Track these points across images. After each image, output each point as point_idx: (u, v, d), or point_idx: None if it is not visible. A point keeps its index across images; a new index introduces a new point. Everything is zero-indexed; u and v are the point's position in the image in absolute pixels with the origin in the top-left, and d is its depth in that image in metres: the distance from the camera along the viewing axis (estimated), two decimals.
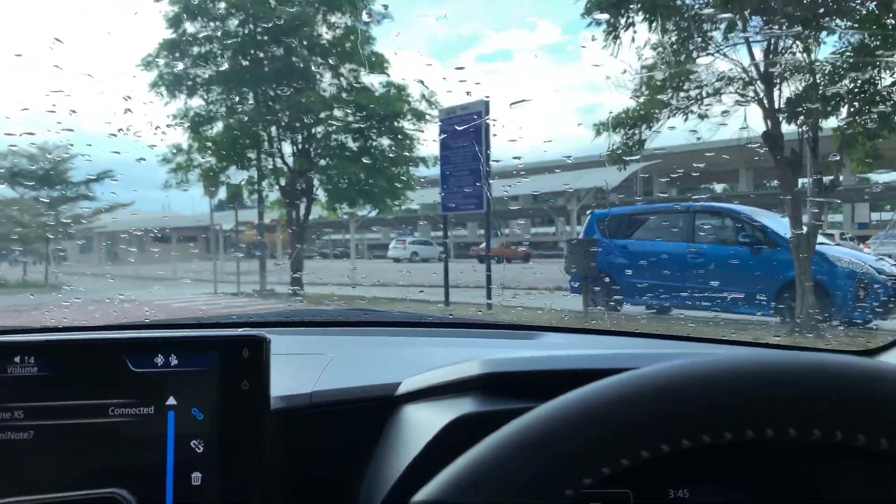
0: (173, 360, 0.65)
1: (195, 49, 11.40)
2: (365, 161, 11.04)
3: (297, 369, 0.88)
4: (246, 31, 11.18)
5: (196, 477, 0.64)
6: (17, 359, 0.64)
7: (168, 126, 10.65)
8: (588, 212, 8.83)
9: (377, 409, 0.78)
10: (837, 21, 5.70)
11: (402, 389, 0.78)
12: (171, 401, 0.65)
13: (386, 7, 11.56)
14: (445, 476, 0.40)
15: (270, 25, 10.71)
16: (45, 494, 0.61)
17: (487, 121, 8.74)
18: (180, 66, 11.38)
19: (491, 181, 8.97)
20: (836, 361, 0.41)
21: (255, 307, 10.15)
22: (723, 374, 0.41)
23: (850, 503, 0.62)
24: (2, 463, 0.62)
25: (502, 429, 0.41)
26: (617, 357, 0.75)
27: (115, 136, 4.28)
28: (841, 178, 6.20)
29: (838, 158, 5.88)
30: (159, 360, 0.65)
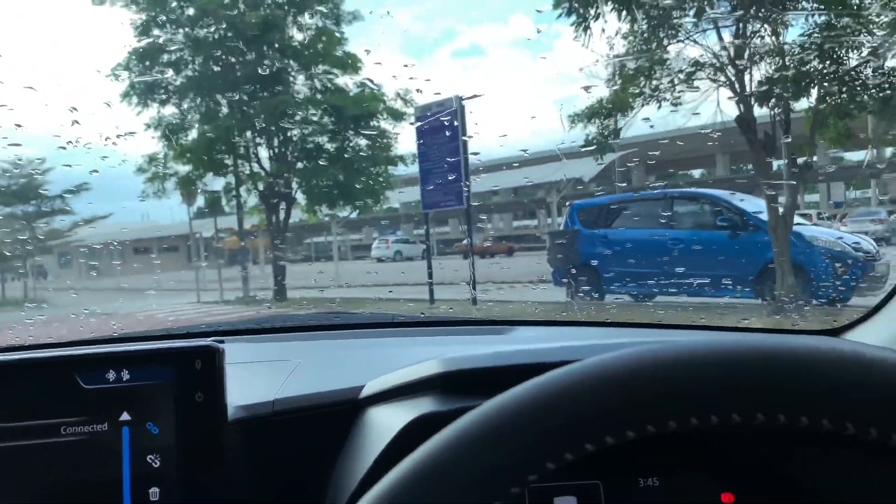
0: (125, 375, 0.64)
1: (165, 57, 11.29)
2: (343, 162, 11.00)
3: (261, 377, 0.87)
4: (216, 37, 11.09)
5: (154, 492, 0.63)
6: None
7: (118, 136, 10.54)
8: (567, 203, 8.86)
9: (341, 413, 0.77)
10: (804, 3, 5.76)
11: (365, 392, 0.78)
12: (125, 416, 0.64)
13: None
14: (389, 479, 0.39)
15: (240, 30, 10.63)
16: None
17: (463, 115, 8.75)
18: (151, 74, 11.27)
19: (471, 177, 8.98)
20: (784, 344, 0.41)
21: (237, 314, 10.08)
22: (668, 361, 0.40)
23: (821, 487, 0.62)
24: None
25: (446, 428, 0.41)
26: (575, 349, 0.75)
27: (64, 148, 4.20)
28: (815, 158, 6.26)
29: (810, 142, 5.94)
30: (111, 375, 0.64)
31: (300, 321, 1.42)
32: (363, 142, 11.35)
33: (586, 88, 6.37)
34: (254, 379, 0.80)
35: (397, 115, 11.00)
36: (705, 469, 0.66)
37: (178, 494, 0.64)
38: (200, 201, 12.93)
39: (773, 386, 0.38)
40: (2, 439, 0.62)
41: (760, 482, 0.64)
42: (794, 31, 6.14)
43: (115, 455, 0.63)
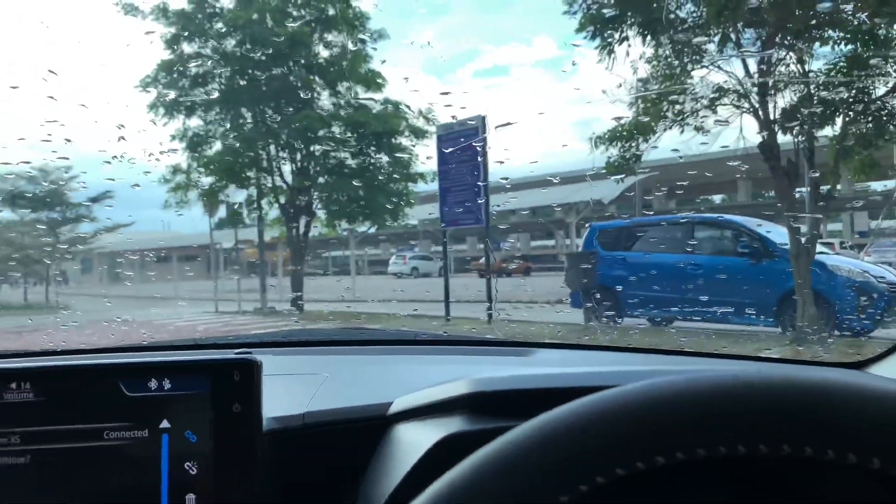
0: (166, 384, 0.66)
1: (193, 69, 11.48)
2: (364, 178, 11.08)
3: (291, 390, 0.89)
4: (243, 51, 11.27)
5: (190, 499, 0.65)
6: (13, 385, 0.65)
7: (161, 153, 10.77)
8: (587, 225, 8.84)
9: (369, 428, 0.79)
10: (830, 32, 5.74)
11: (393, 409, 0.79)
12: (165, 424, 0.66)
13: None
14: (423, 499, 0.41)
15: (268, 45, 10.80)
16: None
17: (485, 136, 8.79)
18: (178, 86, 11.46)
19: (490, 196, 9.01)
20: (811, 378, 0.42)
21: (255, 325, 10.15)
22: (700, 392, 0.42)
23: None
24: (0, 488, 0.64)
25: (481, 449, 0.42)
26: (602, 375, 0.76)
27: (109, 163, 4.33)
28: (839, 187, 6.22)
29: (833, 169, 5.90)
30: (153, 384, 0.66)
31: (326, 336, 1.45)
32: (384, 158, 11.45)
33: (617, 119, 6.38)
34: (284, 391, 0.82)
35: (419, 133, 11.10)
36: (729, 496, 0.66)
37: (213, 501, 0.66)
38: (222, 212, 13.10)
39: (804, 419, 0.39)
40: (48, 441, 0.65)
41: None
42: (820, 60, 6.13)
43: (154, 461, 0.65)
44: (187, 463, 0.65)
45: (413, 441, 0.71)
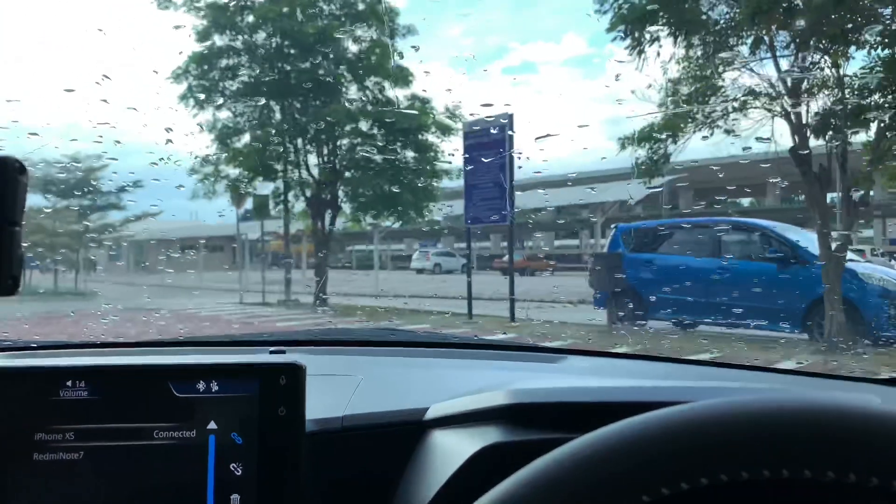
0: (214, 387, 0.68)
1: (223, 62, 11.59)
2: (390, 173, 11.11)
3: (328, 391, 0.91)
4: (273, 45, 11.35)
5: (235, 499, 0.67)
6: (68, 383, 0.68)
7: (206, 158, 10.99)
8: (613, 225, 8.78)
9: (406, 433, 0.80)
10: (866, 36, 5.64)
11: (430, 415, 0.81)
12: (212, 425, 0.68)
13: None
14: (511, 483, 0.42)
15: (297, 39, 10.86)
16: None
17: (511, 133, 8.77)
18: (209, 78, 11.58)
19: (516, 194, 8.99)
20: (858, 407, 0.43)
21: (280, 318, 10.24)
22: (756, 415, 0.43)
23: None
24: (55, 483, 0.66)
25: (543, 457, 0.43)
26: (640, 390, 0.77)
27: (156, 164, 4.43)
28: (871, 193, 6.11)
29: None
30: (201, 385, 0.68)
31: (359, 336, 1.47)
32: (410, 154, 11.47)
33: (650, 119, 6.31)
34: (320, 393, 0.83)
35: (446, 130, 11.10)
36: None
37: (257, 501, 0.67)
38: (248, 204, 13.23)
39: (856, 447, 0.40)
40: (100, 439, 0.67)
41: None
42: (855, 63, 6.02)
43: (201, 461, 0.67)
44: (233, 464, 0.67)
45: (451, 449, 0.72)
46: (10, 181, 0.39)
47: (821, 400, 0.42)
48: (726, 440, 0.40)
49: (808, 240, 6.56)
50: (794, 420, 0.41)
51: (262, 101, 11.31)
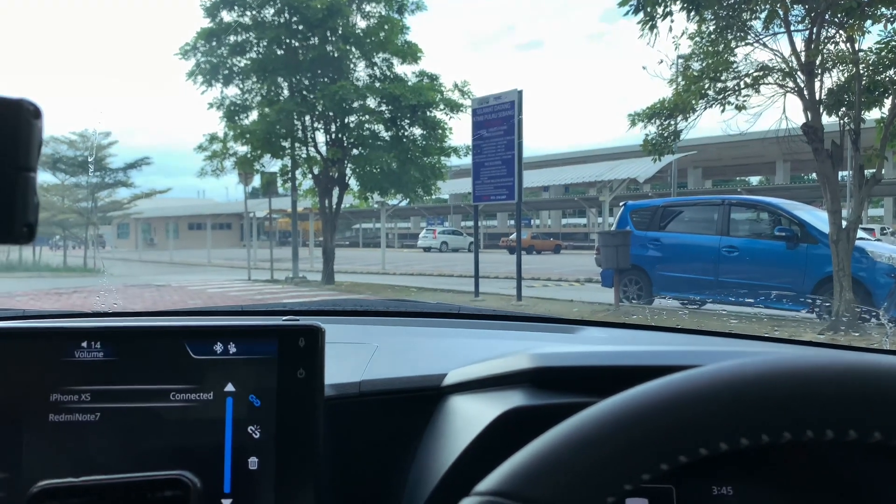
0: (232, 348, 0.67)
1: (231, 38, 11.51)
2: (397, 150, 11.05)
3: (344, 358, 0.90)
4: (281, 21, 11.25)
5: (253, 461, 0.66)
6: (84, 344, 0.67)
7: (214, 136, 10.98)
8: (621, 203, 8.73)
9: (424, 399, 0.79)
10: (884, 9, 5.53)
11: (448, 380, 0.80)
12: (230, 387, 0.67)
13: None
14: (507, 467, 0.41)
15: (305, 14, 10.75)
16: (115, 475, 0.63)
17: (520, 110, 8.70)
18: (217, 54, 11.50)
19: (524, 172, 8.93)
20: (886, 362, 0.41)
21: (287, 294, 10.28)
22: (783, 374, 0.41)
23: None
24: (70, 444, 0.65)
25: (567, 421, 0.41)
26: (662, 354, 0.75)
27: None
28: (883, 171, 6.02)
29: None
30: (218, 347, 0.67)
31: (373, 306, 1.45)
32: (418, 131, 11.39)
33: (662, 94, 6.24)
34: (337, 359, 0.82)
35: (454, 107, 11.01)
36: (779, 481, 0.65)
37: (275, 465, 0.67)
38: (256, 181, 13.21)
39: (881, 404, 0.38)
40: (116, 400, 0.66)
41: (834, 497, 0.64)
42: (871, 38, 5.92)
43: (219, 424, 0.66)
44: (251, 427, 0.66)
45: (472, 413, 0.71)
46: (25, 125, 0.37)
47: (877, 360, 0.40)
48: (788, 395, 0.39)
49: (817, 218, 6.51)
50: (845, 379, 0.39)
51: (271, 77, 11.22)
